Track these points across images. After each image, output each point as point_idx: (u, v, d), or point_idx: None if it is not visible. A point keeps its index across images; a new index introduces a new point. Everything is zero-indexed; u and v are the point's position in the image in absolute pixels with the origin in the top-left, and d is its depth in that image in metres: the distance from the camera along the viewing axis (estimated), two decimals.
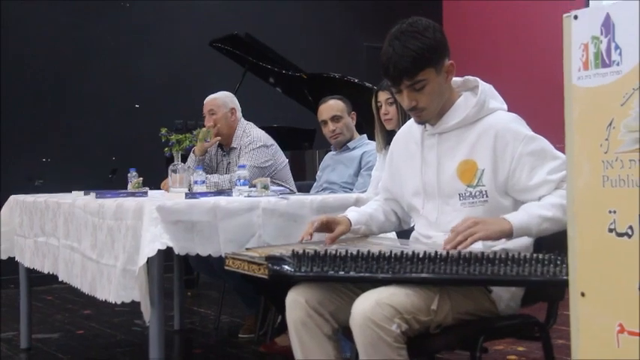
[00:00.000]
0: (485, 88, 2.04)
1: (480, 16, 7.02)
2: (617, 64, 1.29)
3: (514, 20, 6.84)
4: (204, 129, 3.79)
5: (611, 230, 1.30)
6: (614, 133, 1.30)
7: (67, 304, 4.98)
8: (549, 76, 6.41)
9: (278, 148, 3.94)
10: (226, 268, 2.00)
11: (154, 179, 3.98)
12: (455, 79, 2.08)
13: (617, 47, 1.30)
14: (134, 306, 2.75)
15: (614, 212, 1.29)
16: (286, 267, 1.79)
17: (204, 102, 3.94)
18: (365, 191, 3.25)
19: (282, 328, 3.49)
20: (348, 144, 3.72)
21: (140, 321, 4.26)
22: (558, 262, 1.60)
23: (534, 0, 6.61)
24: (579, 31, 1.36)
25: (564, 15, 1.39)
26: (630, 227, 1.26)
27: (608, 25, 1.31)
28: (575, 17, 1.36)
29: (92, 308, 4.70)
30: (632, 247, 1.26)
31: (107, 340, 3.93)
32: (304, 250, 1.80)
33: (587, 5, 6.22)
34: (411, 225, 2.31)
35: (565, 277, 1.47)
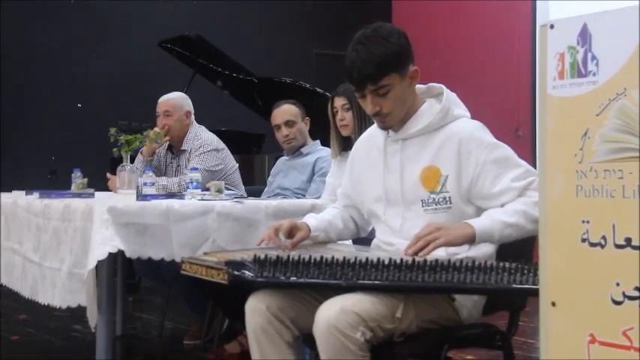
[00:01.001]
0: (450, 95, 2.04)
1: (429, 24, 7.10)
2: (594, 75, 1.30)
3: (465, 33, 6.94)
4: (155, 130, 3.70)
5: (584, 240, 1.30)
6: (589, 143, 1.30)
7: (1, 309, 4.77)
8: (501, 82, 6.57)
9: (229, 152, 3.88)
10: (182, 272, 1.93)
11: (98, 181, 3.85)
12: (419, 85, 2.07)
13: (593, 57, 1.30)
14: (72, 311, 2.64)
15: (588, 222, 1.29)
16: (247, 272, 1.74)
17: (159, 102, 3.85)
18: (319, 197, 3.22)
19: (230, 334, 3.43)
20: (301, 149, 3.68)
21: (79, 326, 4.12)
22: (525, 271, 1.60)
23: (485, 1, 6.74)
24: (555, 40, 1.36)
25: (540, 24, 1.39)
26: (603, 237, 1.27)
27: (585, 36, 1.31)
28: (552, 26, 1.36)
29: (28, 313, 4.52)
30: (604, 256, 1.26)
31: (44, 346, 3.78)
32: (266, 255, 1.75)
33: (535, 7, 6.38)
34: (368, 233, 2.29)
35: (535, 286, 1.46)
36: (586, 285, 1.29)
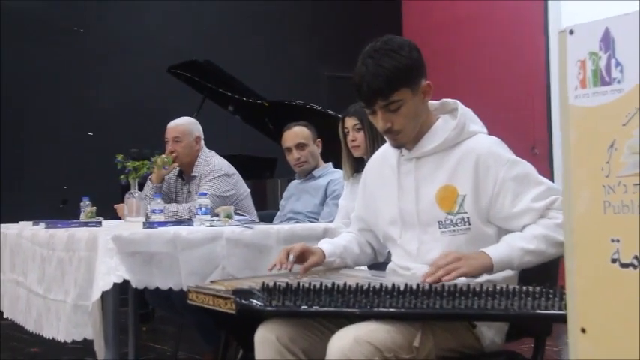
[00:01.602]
0: (465, 110, 1.95)
1: (440, 41, 7.01)
2: (618, 82, 1.21)
3: (481, 51, 6.83)
4: (162, 156, 3.64)
5: (614, 261, 1.20)
6: (616, 156, 1.21)
7: (12, 342, 4.70)
8: (514, 97, 6.42)
9: (240, 177, 3.82)
10: (189, 302, 1.85)
11: (108, 209, 3.80)
12: (432, 102, 1.99)
13: (617, 64, 1.21)
14: (86, 343, 2.57)
15: (618, 241, 1.20)
16: (255, 301, 1.66)
17: (168, 128, 3.80)
18: (332, 221, 3.13)
19: None
20: (313, 172, 3.60)
21: (91, 358, 4.03)
22: (550, 295, 1.50)
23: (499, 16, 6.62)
24: (575, 47, 1.27)
25: (559, 31, 1.30)
26: (635, 257, 1.17)
27: (607, 41, 1.22)
28: (571, 32, 1.28)
29: (40, 346, 4.44)
30: (637, 278, 1.16)
31: None
32: (275, 283, 1.66)
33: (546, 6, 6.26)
34: (385, 257, 2.20)
35: (563, 312, 1.36)
36: (618, 309, 1.19)
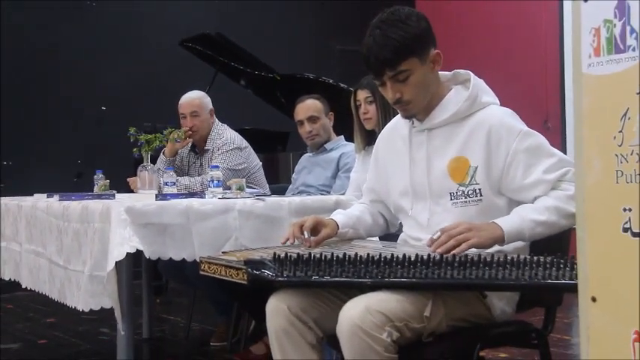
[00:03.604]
0: (477, 81, 1.93)
1: (456, 16, 6.93)
2: (634, 50, 1.19)
3: (493, 23, 6.75)
4: (177, 130, 3.65)
5: (626, 230, 1.19)
6: (630, 124, 1.19)
7: (29, 313, 4.77)
8: (527, 70, 6.34)
9: (252, 150, 3.83)
10: (201, 273, 1.86)
11: (122, 183, 3.82)
12: (443, 72, 1.98)
13: (632, 31, 1.19)
14: (101, 313, 2.60)
15: (630, 210, 1.19)
16: (267, 272, 1.66)
17: (183, 102, 3.80)
18: (344, 194, 3.13)
19: (257, 335, 3.36)
20: (325, 145, 3.60)
21: (107, 329, 4.09)
22: (561, 265, 1.50)
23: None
24: (589, 14, 1.26)
25: None
26: None
27: (622, 8, 1.21)
28: (586, 0, 1.26)
29: (56, 316, 4.50)
30: None
31: (71, 349, 3.75)
32: (286, 254, 1.67)
33: None
34: (397, 228, 2.20)
35: (573, 282, 1.36)
36: (629, 278, 1.19)
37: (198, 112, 3.74)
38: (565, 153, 1.99)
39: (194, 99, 3.80)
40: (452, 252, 1.68)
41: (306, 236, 1.94)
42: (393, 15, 1.84)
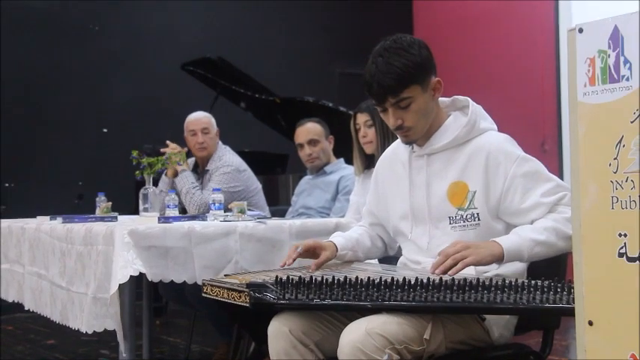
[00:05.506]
0: (476, 108, 1.97)
1: (450, 37, 7.00)
2: (627, 79, 1.23)
3: (486, 45, 6.82)
4: (176, 151, 3.68)
5: (621, 255, 1.22)
6: (624, 152, 1.23)
7: (29, 334, 4.76)
8: (525, 94, 6.39)
9: (251, 174, 3.85)
10: (204, 295, 1.89)
11: (123, 204, 3.84)
12: (442, 99, 2.01)
13: (626, 61, 1.23)
14: (101, 335, 2.61)
15: (625, 235, 1.22)
16: (269, 294, 1.69)
17: (193, 119, 3.83)
18: (343, 216, 3.16)
19: (257, 357, 3.36)
20: (324, 168, 3.63)
21: (107, 351, 4.09)
22: (558, 289, 1.52)
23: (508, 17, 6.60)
24: (585, 44, 1.30)
25: (568, 29, 1.32)
26: None
27: (616, 38, 1.25)
28: (580, 30, 1.30)
29: (56, 338, 4.50)
30: None
31: None
32: (288, 277, 1.70)
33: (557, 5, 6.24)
34: (395, 251, 2.22)
35: (571, 305, 1.38)
36: (625, 302, 1.21)
37: (209, 130, 3.80)
38: (562, 176, 2.02)
39: (204, 116, 3.86)
40: (451, 271, 1.70)
41: (299, 250, 1.97)
42: (395, 43, 1.88)
